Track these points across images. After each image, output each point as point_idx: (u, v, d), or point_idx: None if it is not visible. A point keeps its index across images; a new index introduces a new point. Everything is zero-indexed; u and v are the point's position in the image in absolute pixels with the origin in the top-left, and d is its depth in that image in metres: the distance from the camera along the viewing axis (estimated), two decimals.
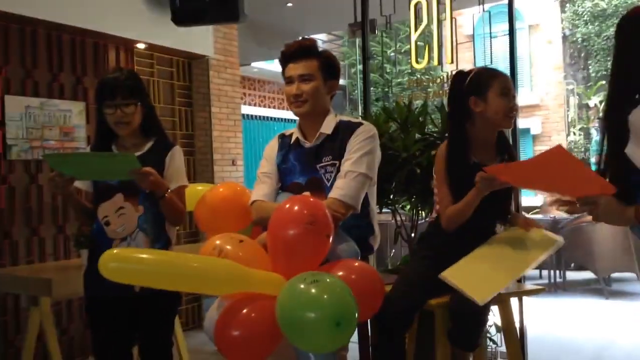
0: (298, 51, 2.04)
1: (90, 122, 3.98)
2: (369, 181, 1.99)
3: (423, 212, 2.92)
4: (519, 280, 2.48)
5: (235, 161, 5.31)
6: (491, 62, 3.27)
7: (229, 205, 2.19)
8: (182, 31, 4.25)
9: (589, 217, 2.04)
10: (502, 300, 2.13)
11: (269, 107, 11.13)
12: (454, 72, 2.25)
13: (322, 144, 2.05)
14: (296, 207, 1.70)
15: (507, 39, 3.34)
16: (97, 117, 2.15)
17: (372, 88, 10.64)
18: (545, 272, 6.26)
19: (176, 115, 4.94)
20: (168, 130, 4.71)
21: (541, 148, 10.31)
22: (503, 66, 2.54)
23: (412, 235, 2.90)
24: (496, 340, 3.09)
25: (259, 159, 2.23)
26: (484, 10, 3.44)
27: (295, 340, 1.54)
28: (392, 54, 9.84)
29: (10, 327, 3.59)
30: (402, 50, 8.85)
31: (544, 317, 4.79)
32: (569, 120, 9.89)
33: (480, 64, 3.08)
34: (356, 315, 1.53)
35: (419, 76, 4.15)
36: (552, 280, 6.07)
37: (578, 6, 9.65)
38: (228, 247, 1.69)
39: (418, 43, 3.54)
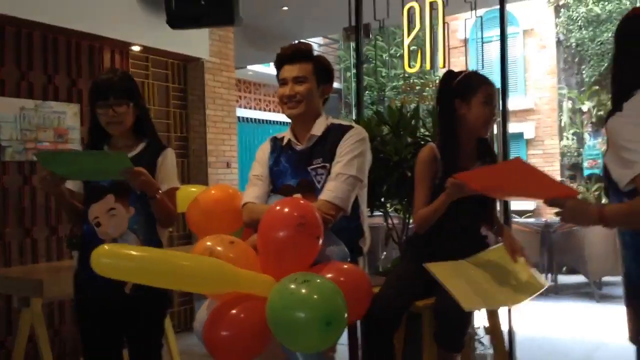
0: (294, 54, 2.07)
1: (84, 124, 4.00)
2: (359, 183, 2.01)
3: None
4: None
5: (230, 164, 5.32)
6: (483, 66, 3.30)
7: (221, 207, 2.20)
8: (178, 34, 4.26)
9: None
10: None
11: (265, 110, 11.14)
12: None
13: (313, 146, 2.07)
14: (286, 209, 1.71)
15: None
16: (90, 118, 2.16)
17: (367, 92, 10.68)
18: None
19: (171, 118, 4.95)
20: (163, 133, 4.74)
21: (534, 152, 10.36)
22: (496, 70, 2.58)
23: (404, 238, 2.93)
24: (484, 343, 3.12)
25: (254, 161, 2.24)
26: (476, 16, 3.48)
27: (285, 340, 1.56)
28: (387, 57, 9.88)
29: (1, 328, 3.59)
30: (398, 55, 8.90)
31: (534, 320, 4.82)
32: (562, 125, 9.94)
33: (473, 68, 3.12)
34: (346, 315, 1.55)
35: (413, 80, 4.18)
36: None
37: (572, 11, 9.71)
38: (219, 248, 1.70)
39: (411, 47, 3.57)
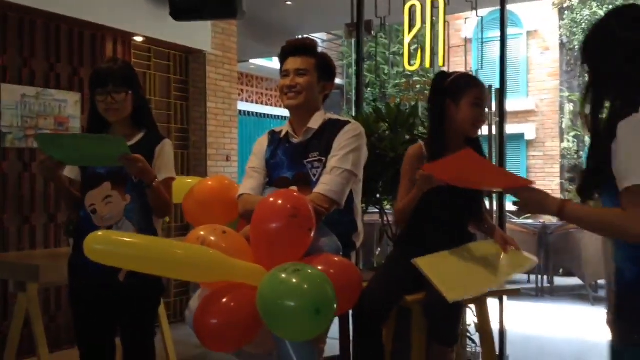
0: (299, 47, 2.12)
1: (85, 113, 4.01)
2: (354, 178, 2.03)
3: None
4: None
5: (230, 157, 5.33)
6: (482, 66, 3.32)
7: (216, 198, 2.23)
8: (181, 25, 4.27)
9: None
10: (478, 300, 2.18)
11: (266, 104, 11.14)
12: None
13: (310, 139, 2.09)
14: (280, 201, 1.73)
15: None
16: (89, 106, 2.18)
17: (369, 89, 10.66)
18: (533, 277, 6.32)
19: (172, 109, 4.97)
20: (163, 124, 4.76)
21: (535, 154, 10.37)
22: (497, 70, 2.60)
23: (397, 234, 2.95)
24: (475, 340, 3.14)
25: None
26: (477, 16, 3.49)
27: (275, 328, 1.58)
28: (390, 55, 9.88)
29: None
30: (400, 52, 8.88)
31: (528, 321, 4.84)
32: (563, 127, 9.95)
33: (474, 67, 3.14)
34: (335, 304, 1.57)
35: (415, 78, 4.20)
36: (540, 285, 6.13)
37: (576, 14, 9.71)
38: (211, 237, 1.72)
39: (412, 45, 3.59)
